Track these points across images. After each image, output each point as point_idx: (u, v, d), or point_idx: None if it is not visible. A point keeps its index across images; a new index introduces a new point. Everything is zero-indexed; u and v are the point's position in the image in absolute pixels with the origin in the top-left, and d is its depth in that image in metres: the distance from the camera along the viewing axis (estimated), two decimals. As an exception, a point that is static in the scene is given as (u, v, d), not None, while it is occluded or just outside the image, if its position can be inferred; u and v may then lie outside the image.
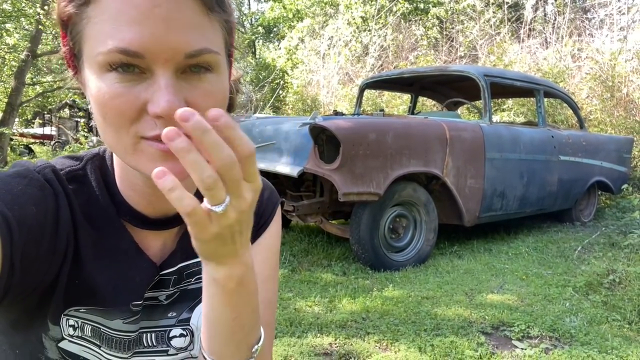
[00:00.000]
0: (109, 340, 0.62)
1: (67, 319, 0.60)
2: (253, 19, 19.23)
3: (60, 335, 0.60)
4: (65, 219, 0.56)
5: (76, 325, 0.60)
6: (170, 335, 0.68)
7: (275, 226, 0.77)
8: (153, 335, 0.67)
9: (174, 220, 0.65)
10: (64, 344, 0.61)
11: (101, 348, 0.62)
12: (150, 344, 0.67)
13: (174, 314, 0.68)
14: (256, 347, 0.60)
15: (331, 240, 4.21)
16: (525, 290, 3.17)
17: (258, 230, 0.75)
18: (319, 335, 2.38)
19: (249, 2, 20.62)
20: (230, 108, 0.66)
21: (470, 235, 4.56)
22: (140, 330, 0.66)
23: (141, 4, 0.46)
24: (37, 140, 12.05)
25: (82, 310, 0.60)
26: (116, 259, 0.62)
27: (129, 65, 0.48)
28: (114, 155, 0.63)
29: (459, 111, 6.84)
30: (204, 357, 0.61)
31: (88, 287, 0.59)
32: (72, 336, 0.60)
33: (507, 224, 4.93)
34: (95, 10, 0.48)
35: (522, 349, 2.32)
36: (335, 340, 2.34)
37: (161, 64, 0.48)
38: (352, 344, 2.29)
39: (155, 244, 0.66)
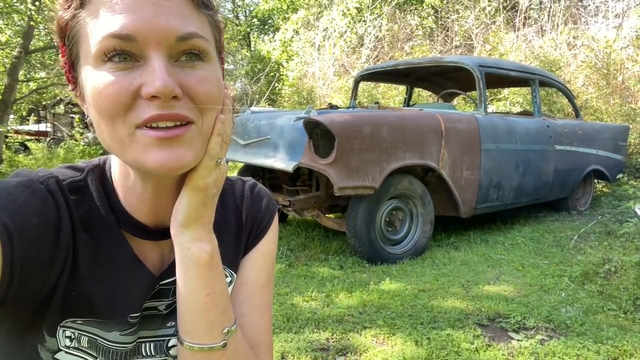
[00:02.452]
0: (105, 352, 0.62)
1: (64, 330, 0.59)
2: (247, 11, 19.08)
3: (56, 346, 0.60)
4: (65, 231, 0.56)
5: (73, 337, 0.60)
6: (169, 345, 0.68)
7: (272, 234, 0.78)
8: (152, 345, 0.67)
9: None
10: (60, 356, 0.60)
11: (97, 359, 0.62)
12: (148, 354, 0.67)
13: (173, 324, 0.68)
14: (227, 329, 0.63)
15: (328, 234, 4.21)
16: (521, 281, 3.19)
17: (256, 237, 0.76)
18: (316, 330, 2.39)
19: (243, -7, 20.45)
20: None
21: (467, 226, 4.57)
22: (138, 340, 0.66)
23: None
24: (33, 137, 11.99)
25: (78, 321, 0.60)
26: (115, 270, 0.62)
27: (124, 55, 0.50)
28: (114, 162, 0.64)
29: (455, 101, 6.84)
30: (180, 342, 0.63)
31: (85, 298, 0.59)
32: (68, 347, 0.60)
33: (504, 214, 4.94)
34: (89, 10, 0.51)
35: (518, 340, 2.33)
36: (332, 335, 2.35)
37: (154, 46, 0.50)
38: (349, 339, 2.30)
39: (153, 254, 0.66)
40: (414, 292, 2.93)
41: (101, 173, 0.64)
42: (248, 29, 17.96)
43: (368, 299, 2.79)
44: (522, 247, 4.06)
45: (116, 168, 0.63)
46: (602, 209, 5.56)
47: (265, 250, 0.77)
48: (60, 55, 0.57)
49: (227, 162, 0.65)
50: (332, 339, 2.32)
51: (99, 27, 0.50)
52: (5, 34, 8.45)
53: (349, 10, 11.14)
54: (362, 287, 3.01)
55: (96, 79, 0.51)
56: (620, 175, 4.97)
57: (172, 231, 0.61)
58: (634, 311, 2.65)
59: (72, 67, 0.56)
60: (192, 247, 0.60)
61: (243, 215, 0.76)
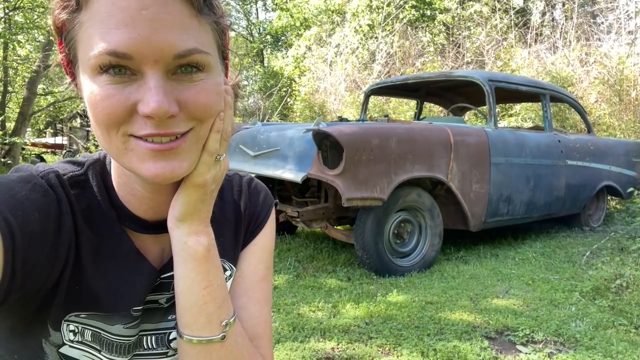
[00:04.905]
0: (109, 345, 0.63)
1: (68, 325, 0.60)
2: (261, 28, 19.38)
3: (61, 340, 0.60)
4: (67, 225, 0.57)
5: (76, 331, 0.61)
6: (170, 337, 0.69)
7: (269, 227, 0.79)
8: (153, 337, 0.68)
9: None
10: (64, 350, 0.61)
11: (101, 352, 0.63)
12: (150, 347, 0.68)
13: (174, 317, 0.68)
14: (226, 321, 0.63)
15: (337, 246, 4.21)
16: (531, 295, 3.15)
17: (254, 230, 0.77)
18: (321, 340, 2.39)
19: (257, 11, 20.80)
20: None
21: (477, 240, 4.54)
22: (140, 334, 0.66)
23: (129, 6, 0.48)
24: (49, 150, 12.21)
25: (82, 315, 0.60)
26: (117, 264, 0.62)
27: (120, 68, 0.50)
28: (112, 160, 0.64)
29: (466, 116, 6.84)
30: (179, 335, 0.63)
31: (89, 292, 0.59)
32: (72, 341, 0.61)
33: (515, 229, 4.90)
34: (86, 16, 0.50)
35: (526, 353, 2.30)
36: (338, 344, 2.34)
37: (150, 65, 0.50)
38: (354, 349, 2.29)
39: (154, 248, 0.67)
40: (421, 304, 2.91)
41: (101, 168, 0.65)
42: (261, 46, 18.22)
43: (375, 310, 2.78)
44: (532, 262, 4.01)
45: (115, 165, 0.63)
46: (615, 225, 5.48)
47: (263, 244, 0.77)
48: (59, 51, 0.57)
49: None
50: (338, 348, 2.31)
51: (95, 40, 0.49)
52: (26, 48, 8.68)
53: (361, 27, 11.26)
54: (369, 298, 3.00)
55: (93, 90, 0.50)
56: (631, 189, 4.90)
57: (169, 225, 0.62)
58: (645, 326, 2.60)
59: (71, 62, 0.56)
60: (188, 241, 0.61)
61: (241, 210, 0.76)
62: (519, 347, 2.37)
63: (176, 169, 0.54)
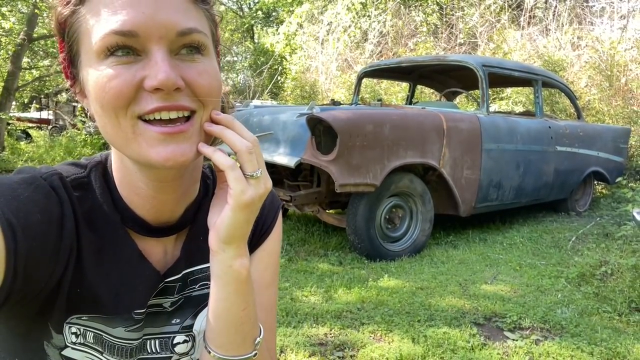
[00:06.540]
0: (111, 348, 0.63)
1: (70, 327, 0.60)
2: (252, 3, 19.00)
3: (63, 343, 0.61)
4: (69, 227, 0.57)
5: (78, 333, 0.61)
6: (174, 342, 0.69)
7: (276, 232, 0.78)
8: (157, 342, 0.68)
9: (175, 227, 0.66)
10: (67, 352, 0.61)
11: (103, 354, 0.63)
12: (154, 351, 0.68)
13: (178, 321, 0.69)
14: (258, 339, 0.65)
15: (328, 230, 4.24)
16: (518, 281, 3.22)
17: (262, 235, 0.76)
18: (314, 325, 2.42)
19: (248, -15, 20.35)
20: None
21: (465, 225, 4.60)
22: (144, 337, 0.67)
23: None
24: (34, 125, 11.99)
25: (84, 317, 0.61)
26: (119, 267, 0.62)
27: (126, 50, 0.51)
28: (114, 159, 0.64)
29: (457, 99, 6.84)
30: (207, 351, 0.64)
31: (90, 295, 0.60)
32: (74, 343, 0.61)
33: (503, 214, 4.96)
34: (88, 7, 0.52)
35: (513, 340, 2.36)
36: (331, 330, 2.38)
37: (155, 41, 0.52)
38: (347, 335, 2.33)
39: (157, 250, 0.67)
40: (411, 289, 2.96)
41: (103, 169, 0.65)
42: (252, 22, 17.89)
43: (366, 296, 2.82)
44: (520, 247, 4.09)
45: (117, 164, 0.63)
46: (601, 210, 5.58)
47: (270, 249, 0.77)
48: (59, 51, 0.58)
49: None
50: (331, 334, 2.35)
51: (100, 24, 0.50)
52: (9, 21, 8.43)
53: (353, 5, 11.09)
54: (361, 283, 3.04)
55: (99, 74, 0.51)
56: (620, 179, 4.98)
57: (213, 247, 0.60)
58: (628, 313, 2.68)
59: (72, 63, 0.56)
60: (233, 264, 0.60)
61: None
62: (507, 334, 2.43)
63: (187, 152, 0.55)
